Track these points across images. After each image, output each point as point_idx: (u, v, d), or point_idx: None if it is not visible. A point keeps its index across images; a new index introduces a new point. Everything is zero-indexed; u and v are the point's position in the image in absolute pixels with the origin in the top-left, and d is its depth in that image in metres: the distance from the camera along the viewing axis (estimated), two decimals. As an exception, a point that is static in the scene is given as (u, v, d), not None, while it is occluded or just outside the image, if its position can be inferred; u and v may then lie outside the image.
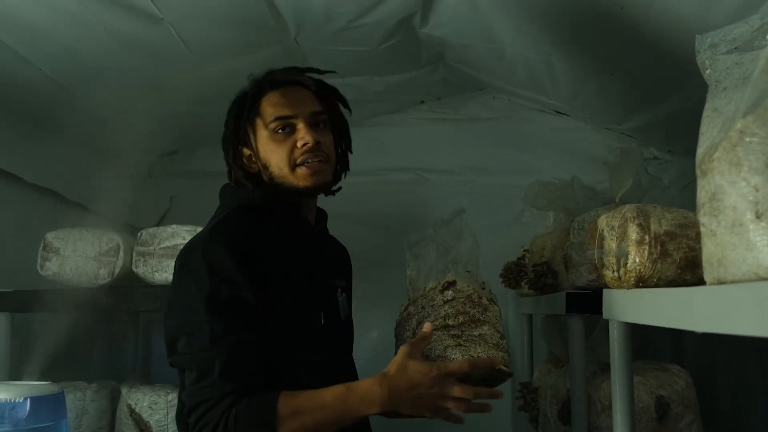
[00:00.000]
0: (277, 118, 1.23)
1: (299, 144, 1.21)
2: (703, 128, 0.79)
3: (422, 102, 2.69)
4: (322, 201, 1.39)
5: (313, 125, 1.25)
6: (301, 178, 1.22)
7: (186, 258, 1.15)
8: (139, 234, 1.71)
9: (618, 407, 1.04)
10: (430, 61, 2.31)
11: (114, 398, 1.71)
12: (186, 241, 1.62)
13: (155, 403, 1.60)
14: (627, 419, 1.04)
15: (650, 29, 1.56)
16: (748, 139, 0.66)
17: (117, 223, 2.11)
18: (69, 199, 2.12)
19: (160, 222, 2.58)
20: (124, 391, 1.66)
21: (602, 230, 1.03)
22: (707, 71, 0.84)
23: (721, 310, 0.67)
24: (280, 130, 1.23)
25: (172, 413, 1.59)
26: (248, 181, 1.26)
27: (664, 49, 1.60)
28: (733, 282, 0.66)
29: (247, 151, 1.27)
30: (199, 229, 1.64)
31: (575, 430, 1.40)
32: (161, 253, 1.63)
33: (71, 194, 2.14)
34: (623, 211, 0.98)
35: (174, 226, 1.67)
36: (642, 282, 0.94)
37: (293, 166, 1.22)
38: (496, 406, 1.70)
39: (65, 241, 1.68)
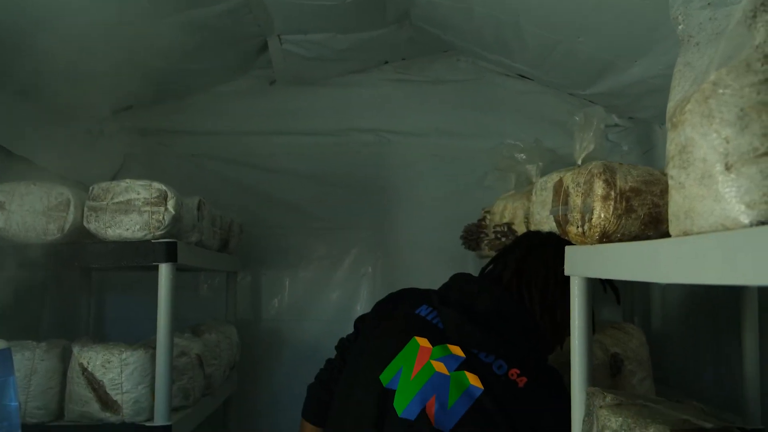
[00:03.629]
0: None
1: None
2: (674, 82, 0.79)
3: (386, 62, 2.65)
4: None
5: None
6: None
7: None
8: (90, 188, 1.64)
9: (577, 362, 1.06)
10: (395, 19, 2.27)
11: (65, 358, 1.65)
12: (140, 196, 1.56)
13: (108, 362, 1.55)
14: (584, 375, 1.06)
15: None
16: (721, 91, 0.65)
17: (67, 181, 2.02)
18: (15, 154, 2.02)
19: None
20: (75, 350, 1.60)
21: (567, 186, 1.03)
22: (680, 26, 0.83)
23: (688, 261, 0.67)
24: None
25: (126, 371, 1.55)
26: None
27: (634, 12, 1.59)
28: (699, 234, 0.66)
29: None
30: (156, 183, 1.59)
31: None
32: (114, 208, 1.57)
33: (18, 149, 2.03)
34: (589, 167, 0.97)
35: (128, 180, 1.60)
36: (606, 237, 0.94)
37: None
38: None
39: (11, 195, 1.60)
